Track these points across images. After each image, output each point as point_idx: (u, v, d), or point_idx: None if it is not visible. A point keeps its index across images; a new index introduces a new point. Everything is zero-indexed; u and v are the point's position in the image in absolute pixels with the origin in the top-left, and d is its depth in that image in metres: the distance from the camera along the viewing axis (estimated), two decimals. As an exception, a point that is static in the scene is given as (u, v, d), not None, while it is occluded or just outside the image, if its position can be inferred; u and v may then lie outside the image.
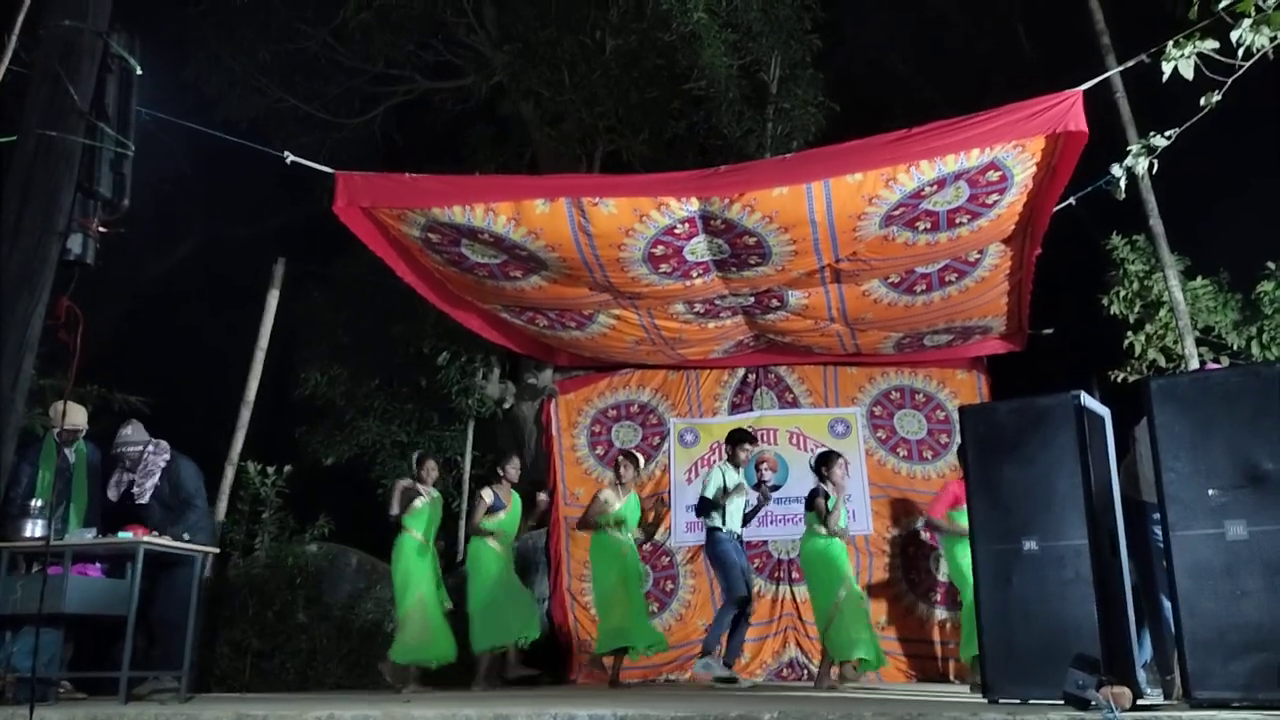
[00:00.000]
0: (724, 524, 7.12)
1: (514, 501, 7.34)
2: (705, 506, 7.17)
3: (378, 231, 6.45)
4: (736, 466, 7.30)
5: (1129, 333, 7.41)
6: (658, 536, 8.40)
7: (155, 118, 5.29)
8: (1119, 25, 6.20)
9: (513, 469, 7.40)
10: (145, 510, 6.10)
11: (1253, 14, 4.16)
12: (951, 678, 7.48)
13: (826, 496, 6.85)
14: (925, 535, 7.96)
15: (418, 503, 6.99)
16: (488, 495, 7.23)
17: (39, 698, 4.76)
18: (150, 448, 6.26)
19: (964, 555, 6.05)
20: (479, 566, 7.09)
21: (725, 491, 7.11)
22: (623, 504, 7.33)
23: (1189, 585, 4.13)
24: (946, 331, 7.78)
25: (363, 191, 6.06)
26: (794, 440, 8.47)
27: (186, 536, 5.89)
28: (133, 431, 6.29)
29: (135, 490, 6.16)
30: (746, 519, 7.35)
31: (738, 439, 7.40)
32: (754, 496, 7.36)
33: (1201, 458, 4.20)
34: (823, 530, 6.81)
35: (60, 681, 5.64)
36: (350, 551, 8.45)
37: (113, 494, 6.24)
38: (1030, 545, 4.58)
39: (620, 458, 7.50)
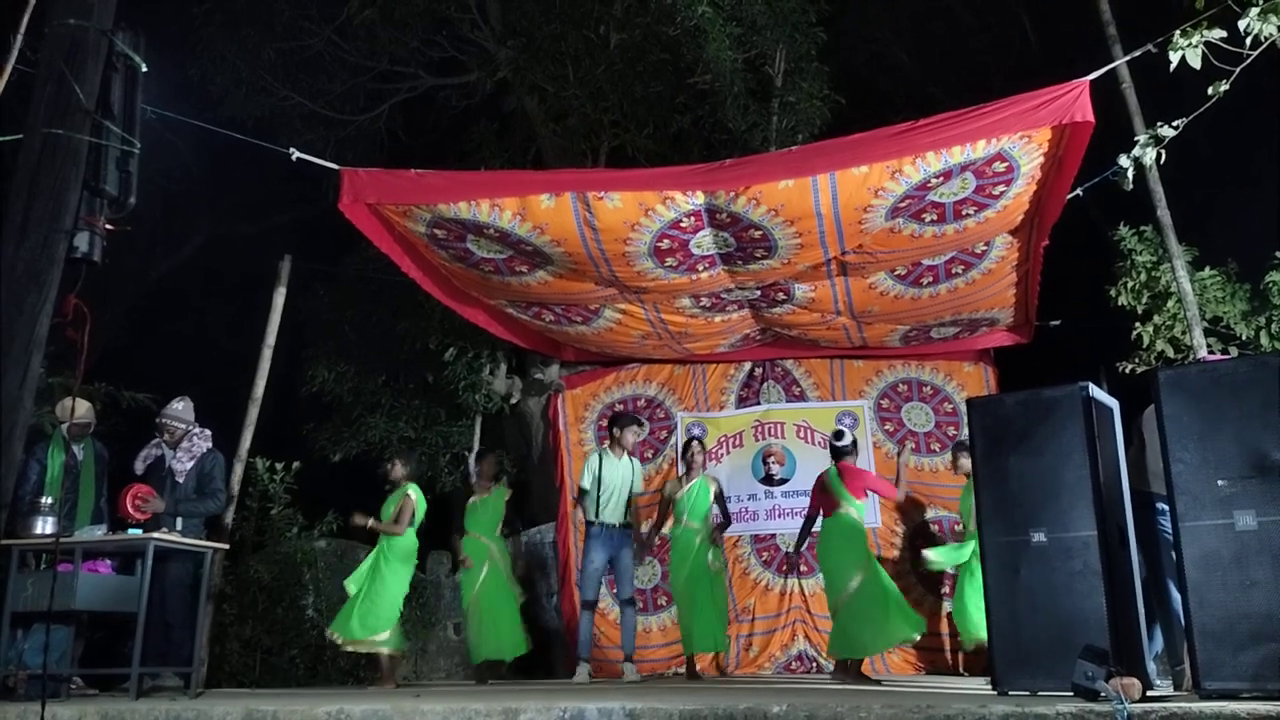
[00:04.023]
0: (597, 515, 7.07)
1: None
2: (580, 496, 7.22)
3: (383, 228, 6.46)
4: (627, 452, 7.26)
5: (1137, 324, 7.38)
6: (665, 530, 8.41)
7: (161, 116, 5.29)
8: (1125, 15, 6.16)
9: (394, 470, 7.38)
10: (176, 487, 6.23)
11: (1259, 2, 4.14)
12: (960, 670, 7.48)
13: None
14: (934, 528, 7.96)
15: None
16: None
17: (50, 694, 4.80)
18: (195, 430, 6.39)
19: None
20: None
21: (598, 481, 7.06)
22: (685, 492, 7.24)
23: (1198, 576, 4.11)
24: (953, 324, 7.76)
25: (368, 188, 6.06)
26: (801, 434, 8.46)
27: (179, 524, 5.92)
28: (183, 409, 6.48)
29: (175, 466, 6.30)
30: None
31: (620, 421, 7.33)
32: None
33: (1210, 448, 4.19)
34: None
35: (71, 678, 5.67)
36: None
37: (139, 467, 6.36)
38: (1038, 537, 4.57)
39: (694, 445, 7.38)
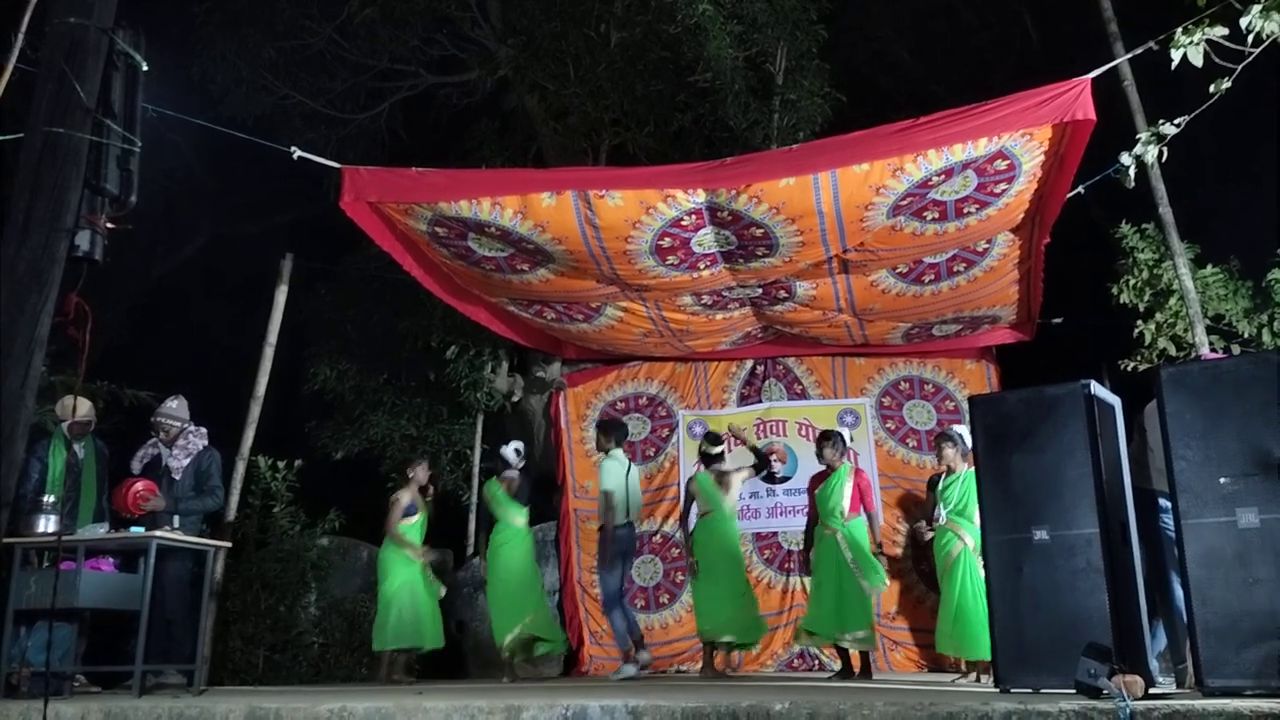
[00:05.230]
0: (628, 516, 7.05)
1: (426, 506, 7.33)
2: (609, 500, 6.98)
3: (384, 226, 6.46)
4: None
5: (1139, 321, 7.38)
6: (668, 528, 8.42)
7: (161, 114, 5.29)
8: (1127, 12, 6.16)
9: (421, 471, 7.38)
10: (173, 485, 6.23)
11: (1262, 0, 4.13)
12: (963, 668, 7.46)
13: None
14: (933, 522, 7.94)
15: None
16: (404, 498, 7.24)
17: (53, 692, 4.79)
18: (190, 428, 6.38)
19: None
20: (386, 571, 7.10)
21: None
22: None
23: (1200, 573, 4.11)
24: (955, 321, 7.76)
25: (369, 186, 6.06)
26: (803, 431, 8.47)
27: (177, 522, 5.91)
28: (177, 406, 6.48)
29: (171, 464, 6.30)
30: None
31: (617, 428, 7.32)
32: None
33: (1212, 446, 4.18)
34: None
35: (74, 676, 5.67)
36: (361, 545, 8.48)
37: (136, 466, 6.36)
38: (1041, 535, 4.56)
39: (727, 437, 7.29)
